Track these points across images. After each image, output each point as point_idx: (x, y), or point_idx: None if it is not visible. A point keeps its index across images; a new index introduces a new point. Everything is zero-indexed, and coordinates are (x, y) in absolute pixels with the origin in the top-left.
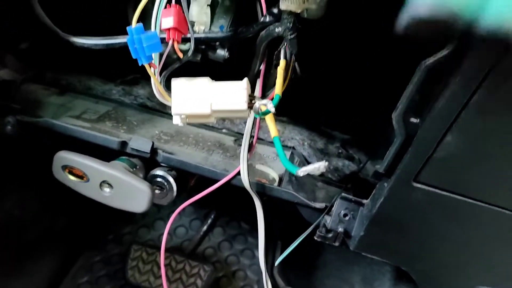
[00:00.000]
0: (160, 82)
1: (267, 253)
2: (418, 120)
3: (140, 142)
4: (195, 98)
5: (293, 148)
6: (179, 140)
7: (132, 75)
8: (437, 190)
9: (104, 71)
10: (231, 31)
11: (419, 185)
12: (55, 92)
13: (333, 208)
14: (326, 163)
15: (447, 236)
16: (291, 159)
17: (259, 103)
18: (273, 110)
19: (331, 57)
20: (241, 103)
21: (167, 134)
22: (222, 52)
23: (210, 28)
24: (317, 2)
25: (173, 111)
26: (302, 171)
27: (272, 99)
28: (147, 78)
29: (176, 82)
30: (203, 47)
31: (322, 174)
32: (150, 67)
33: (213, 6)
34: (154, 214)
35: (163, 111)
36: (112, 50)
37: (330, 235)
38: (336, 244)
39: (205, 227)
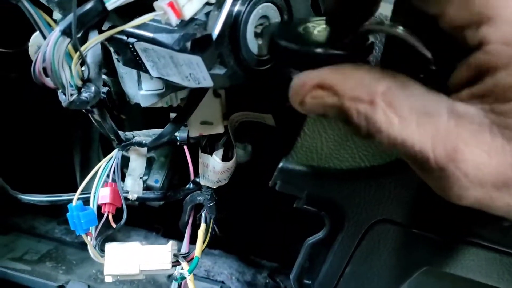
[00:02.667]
0: (95, 247)
1: None
2: (310, 282)
3: (76, 287)
4: (125, 260)
5: (222, 282)
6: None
7: None
8: None
9: (48, 211)
10: (160, 194)
11: None
12: None
13: None
14: None
15: None
16: None
17: (177, 271)
18: (188, 276)
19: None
20: (166, 264)
21: (103, 273)
22: (157, 203)
23: (147, 181)
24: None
25: (105, 272)
26: None
27: (192, 259)
28: None
29: (109, 246)
30: None
31: None
32: (87, 235)
33: (150, 161)
34: None
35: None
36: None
37: None
38: None
39: None
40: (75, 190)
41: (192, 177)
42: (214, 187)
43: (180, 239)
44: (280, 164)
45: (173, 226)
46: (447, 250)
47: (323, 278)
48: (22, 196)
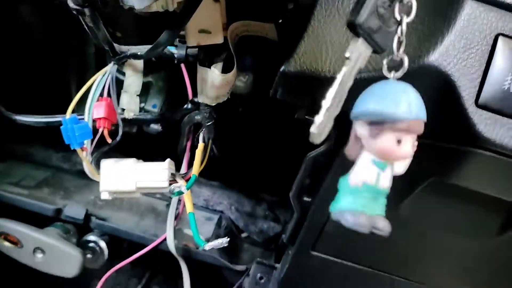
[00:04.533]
0: (91, 162)
1: None
2: (310, 199)
3: (74, 209)
4: (121, 176)
5: (222, 212)
6: (113, 205)
7: None
8: (330, 257)
9: (45, 138)
10: (158, 115)
11: (316, 253)
12: None
13: (250, 271)
14: (228, 239)
15: None
16: (219, 222)
17: (174, 186)
18: (185, 191)
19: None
20: (163, 182)
21: (102, 199)
22: (155, 127)
23: (144, 106)
24: (244, 81)
25: (101, 188)
26: (208, 246)
27: (190, 178)
28: None
29: (104, 163)
30: None
31: (248, 236)
32: (82, 150)
33: (147, 86)
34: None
35: None
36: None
37: None
38: None
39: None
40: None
41: (190, 97)
42: (213, 104)
43: (179, 169)
44: (282, 68)
45: (172, 157)
46: (455, 159)
47: (323, 194)
48: (17, 117)
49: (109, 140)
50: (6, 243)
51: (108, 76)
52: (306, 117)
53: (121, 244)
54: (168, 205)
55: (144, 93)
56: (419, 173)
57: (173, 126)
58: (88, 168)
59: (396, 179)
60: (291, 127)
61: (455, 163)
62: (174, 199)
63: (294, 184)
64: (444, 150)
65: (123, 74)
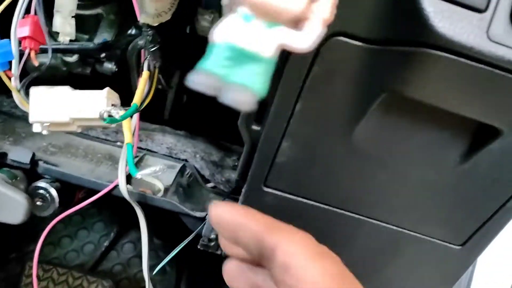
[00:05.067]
0: (19, 90)
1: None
2: (259, 128)
3: (19, 153)
4: (54, 106)
5: (186, 160)
6: (68, 152)
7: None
8: (283, 194)
9: None
10: (102, 44)
11: (269, 190)
12: None
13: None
14: (162, 166)
15: None
16: (182, 170)
17: (104, 110)
18: (117, 116)
19: None
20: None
21: (55, 146)
22: (109, 65)
23: (94, 40)
24: (209, 20)
25: (30, 119)
26: (140, 174)
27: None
28: None
29: (34, 90)
30: (92, 60)
31: (214, 186)
32: (6, 74)
33: (98, 19)
34: (60, 231)
35: None
36: None
37: (212, 243)
38: (219, 252)
39: (106, 243)
40: None
41: None
42: (155, 24)
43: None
44: None
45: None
46: (408, 66)
47: (272, 120)
48: None
49: (36, 63)
50: None
51: None
52: None
53: (74, 192)
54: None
55: (94, 27)
56: (369, 89)
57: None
58: (16, 96)
59: (346, 100)
60: None
61: (408, 72)
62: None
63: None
64: (395, 56)
65: None
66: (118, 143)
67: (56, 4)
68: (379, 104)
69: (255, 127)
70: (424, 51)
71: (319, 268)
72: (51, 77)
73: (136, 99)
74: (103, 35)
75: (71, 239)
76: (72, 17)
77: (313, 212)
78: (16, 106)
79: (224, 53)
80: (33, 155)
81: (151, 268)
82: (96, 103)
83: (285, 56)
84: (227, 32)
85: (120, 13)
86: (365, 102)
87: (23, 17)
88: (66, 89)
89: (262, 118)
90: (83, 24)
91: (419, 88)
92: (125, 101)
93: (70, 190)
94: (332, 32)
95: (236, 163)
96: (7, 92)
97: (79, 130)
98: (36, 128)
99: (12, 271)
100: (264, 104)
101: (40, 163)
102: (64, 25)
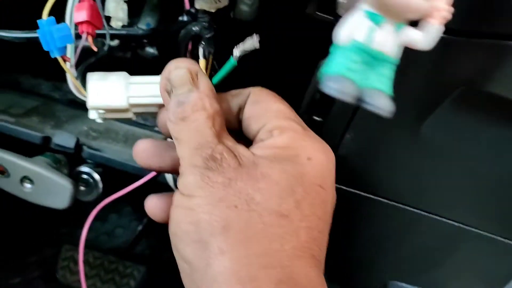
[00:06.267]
0: (76, 77)
1: None
2: (321, 119)
3: (64, 138)
4: (112, 91)
5: None
6: (108, 137)
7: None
8: (341, 186)
9: (33, 65)
10: (149, 30)
11: None
12: None
13: None
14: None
15: (354, 232)
16: None
17: None
18: None
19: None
20: (160, 98)
21: (96, 130)
22: (151, 50)
23: (136, 26)
24: (249, 4)
25: (88, 105)
26: (236, 52)
27: None
28: None
29: (91, 76)
30: (133, 44)
31: None
32: (64, 60)
33: (140, 4)
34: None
35: None
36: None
37: None
38: None
39: (140, 227)
40: None
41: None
42: (213, 10)
43: None
44: None
45: None
46: (490, 59)
47: (337, 111)
48: None
49: (95, 48)
50: None
51: None
52: (317, 12)
53: (116, 177)
54: (166, 139)
55: (137, 11)
56: (446, 82)
57: (169, 48)
58: (72, 82)
59: (419, 92)
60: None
61: (492, 66)
62: None
63: (303, 101)
64: (480, 49)
65: None
66: (156, 129)
67: None
68: (453, 98)
69: (316, 118)
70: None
71: (282, 102)
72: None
73: None
74: (147, 20)
75: (102, 222)
76: (125, 1)
77: (371, 205)
78: (54, 90)
79: (353, 56)
80: (77, 139)
81: None
82: (155, 87)
83: None
84: (355, 34)
85: None
86: (440, 95)
87: (79, 1)
88: (123, 74)
89: (325, 108)
90: None
91: (502, 82)
92: None
93: (112, 174)
94: None
95: None
96: (45, 75)
97: (134, 118)
98: (92, 115)
99: (46, 253)
100: (325, 96)
101: (85, 148)
102: (117, 9)
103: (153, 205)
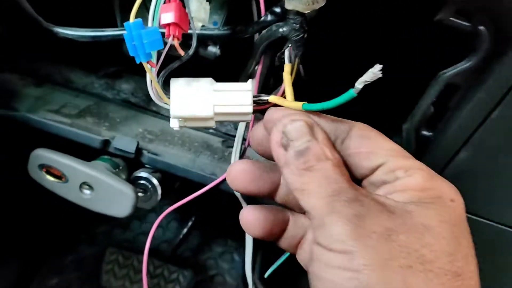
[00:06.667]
0: (158, 82)
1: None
2: (431, 134)
3: (124, 142)
4: (196, 100)
5: None
6: (165, 140)
7: (115, 67)
8: None
9: (85, 62)
10: (228, 29)
11: None
12: (32, 83)
13: None
14: (381, 66)
15: None
16: None
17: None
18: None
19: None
20: (247, 106)
21: (151, 132)
22: (213, 50)
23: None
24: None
25: (172, 114)
26: (359, 84)
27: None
28: (131, 71)
29: (175, 82)
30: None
31: None
32: (149, 65)
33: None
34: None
35: (147, 108)
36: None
37: None
38: None
39: (185, 230)
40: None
41: (263, 10)
42: (307, 11)
43: None
44: None
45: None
46: None
47: (454, 127)
48: (59, 30)
49: (181, 52)
50: (49, 177)
51: None
52: (452, 19)
53: (173, 182)
54: (224, 142)
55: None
56: None
57: (235, 49)
58: (155, 89)
59: None
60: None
61: None
62: (239, 132)
63: (412, 113)
64: None
65: None
66: (211, 131)
67: None
68: None
69: (426, 133)
70: None
71: (391, 140)
72: None
73: (289, 97)
74: (213, 18)
75: (140, 221)
76: (207, 1)
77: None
78: (107, 89)
79: None
80: (138, 143)
81: (220, 255)
82: (241, 95)
83: (488, 61)
84: None
85: None
86: None
87: (164, 2)
88: (207, 81)
89: (436, 123)
90: None
91: None
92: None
93: (169, 180)
94: None
95: None
96: (96, 72)
97: (214, 126)
98: (173, 124)
99: (83, 253)
100: (444, 107)
101: (145, 152)
102: (199, 10)
103: (253, 218)
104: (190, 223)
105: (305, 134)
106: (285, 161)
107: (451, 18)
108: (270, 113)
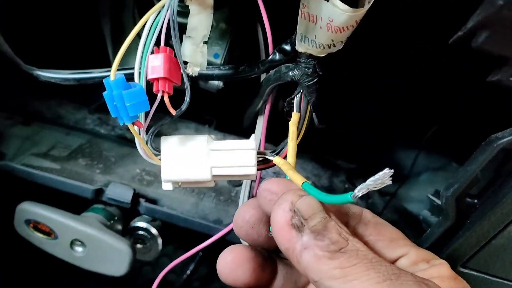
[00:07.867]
0: (147, 142)
1: None
2: (476, 201)
3: (119, 190)
4: (191, 161)
5: None
6: None
7: None
8: (487, 276)
9: (76, 95)
10: (230, 69)
11: (467, 271)
12: (19, 122)
13: None
14: (392, 171)
15: None
16: None
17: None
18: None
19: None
20: (250, 168)
21: (150, 173)
22: (216, 83)
23: None
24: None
25: (163, 178)
26: (359, 191)
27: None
28: None
29: (166, 141)
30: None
31: None
32: (134, 125)
33: None
34: None
35: None
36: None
37: None
38: None
39: (192, 266)
40: (108, 67)
41: (271, 47)
42: (321, 55)
43: (237, 133)
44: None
45: (228, 118)
46: None
47: (506, 197)
48: (40, 73)
49: (173, 111)
50: (37, 234)
51: (166, 13)
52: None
53: (174, 229)
54: (230, 180)
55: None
56: None
57: (239, 82)
58: (143, 150)
59: None
60: None
61: None
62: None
63: (455, 180)
64: None
65: (184, 14)
66: None
67: (188, 27)
68: None
69: (469, 200)
70: None
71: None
72: None
73: (290, 158)
74: (214, 49)
75: (153, 266)
76: (205, 43)
77: None
78: (100, 124)
79: None
80: (134, 191)
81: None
82: (243, 156)
83: None
84: None
85: (232, 23)
86: None
87: (152, 52)
88: (203, 139)
89: (485, 192)
90: None
91: None
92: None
93: (170, 227)
94: None
95: (346, 185)
96: (89, 105)
97: (213, 185)
98: (166, 187)
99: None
100: (490, 177)
101: (142, 201)
102: (195, 53)
103: (230, 269)
104: (192, 264)
105: (320, 210)
106: (302, 244)
107: (510, 79)
108: (267, 187)
